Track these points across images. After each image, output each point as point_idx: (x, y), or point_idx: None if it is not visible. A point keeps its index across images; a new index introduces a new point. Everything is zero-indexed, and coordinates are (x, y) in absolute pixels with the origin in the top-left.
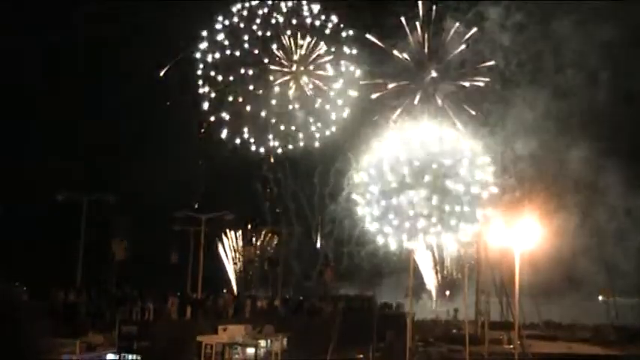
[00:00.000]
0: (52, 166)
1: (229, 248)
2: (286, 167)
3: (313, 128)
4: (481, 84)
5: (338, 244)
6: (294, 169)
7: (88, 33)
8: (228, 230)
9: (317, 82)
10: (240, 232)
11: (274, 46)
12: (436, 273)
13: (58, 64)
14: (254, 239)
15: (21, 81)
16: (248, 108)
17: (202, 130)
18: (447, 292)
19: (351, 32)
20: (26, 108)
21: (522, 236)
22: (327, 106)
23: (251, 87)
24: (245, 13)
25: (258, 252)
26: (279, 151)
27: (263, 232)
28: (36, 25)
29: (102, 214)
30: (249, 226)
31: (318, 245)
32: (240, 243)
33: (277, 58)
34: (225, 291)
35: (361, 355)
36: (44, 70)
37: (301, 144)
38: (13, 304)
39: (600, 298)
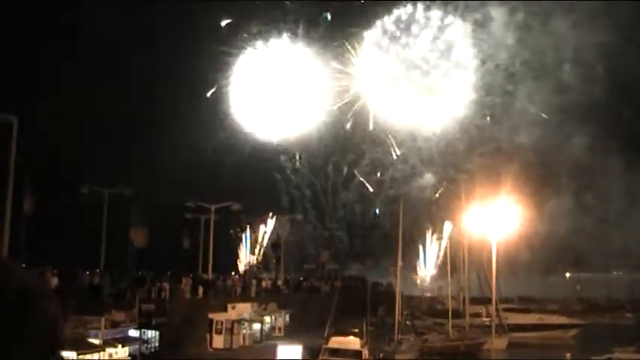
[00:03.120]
0: (77, 163)
1: (236, 234)
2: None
3: None
4: None
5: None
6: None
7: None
8: (235, 218)
9: None
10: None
11: None
12: (423, 254)
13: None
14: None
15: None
16: None
17: None
18: (432, 271)
19: None
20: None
21: (499, 221)
22: None
23: None
24: None
25: (262, 237)
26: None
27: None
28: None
29: (122, 205)
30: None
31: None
32: (247, 229)
33: None
34: (233, 272)
35: (356, 329)
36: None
37: None
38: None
39: (567, 274)
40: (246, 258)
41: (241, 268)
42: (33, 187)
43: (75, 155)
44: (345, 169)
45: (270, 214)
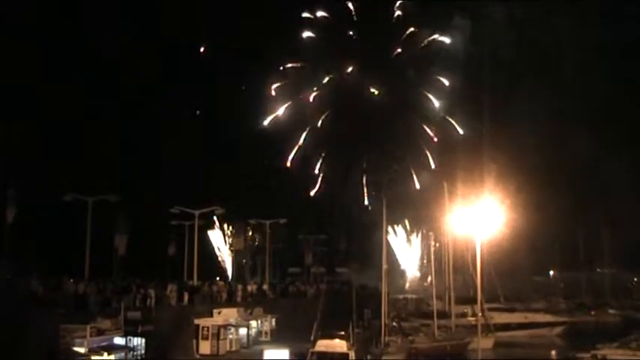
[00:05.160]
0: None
1: (221, 240)
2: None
3: None
4: None
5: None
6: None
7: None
8: (219, 223)
9: None
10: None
11: None
12: (408, 257)
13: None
14: (244, 231)
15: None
16: None
17: None
18: (418, 274)
19: None
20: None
21: (483, 222)
22: None
23: None
24: None
25: (247, 242)
26: None
27: (252, 224)
28: None
29: (106, 212)
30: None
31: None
32: (231, 235)
33: None
34: (218, 278)
35: (343, 332)
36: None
37: None
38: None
39: (551, 272)
40: (229, 262)
41: (227, 272)
42: (15, 196)
43: (58, 162)
44: None
45: (255, 218)
